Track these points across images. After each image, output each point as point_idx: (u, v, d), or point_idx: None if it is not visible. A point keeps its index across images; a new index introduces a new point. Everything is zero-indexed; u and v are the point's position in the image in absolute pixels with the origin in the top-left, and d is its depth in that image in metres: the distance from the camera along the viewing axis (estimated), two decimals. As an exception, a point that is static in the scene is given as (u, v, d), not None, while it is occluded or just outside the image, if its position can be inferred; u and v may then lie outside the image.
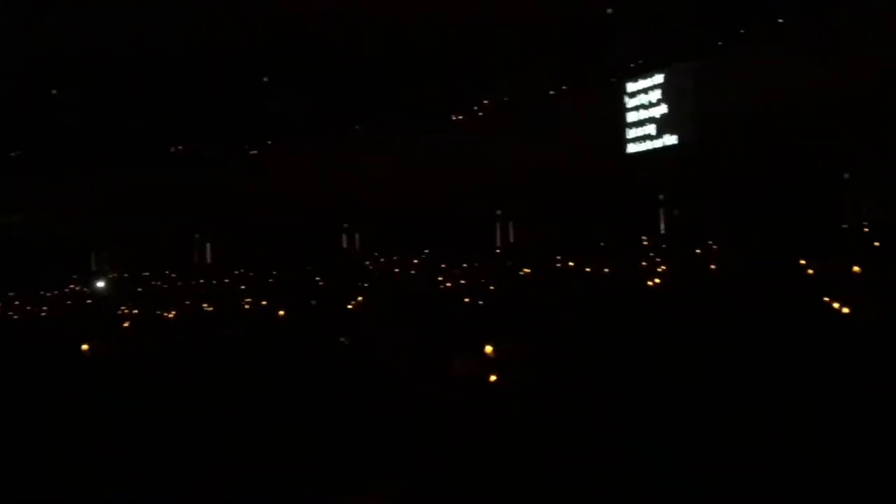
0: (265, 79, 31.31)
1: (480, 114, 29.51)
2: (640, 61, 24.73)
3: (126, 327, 14.87)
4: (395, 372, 7.52)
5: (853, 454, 5.02)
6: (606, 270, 17.14)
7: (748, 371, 6.77)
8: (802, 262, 13.07)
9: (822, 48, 19.03)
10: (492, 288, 16.70)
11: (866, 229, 16.85)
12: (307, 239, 30.52)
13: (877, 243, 14.31)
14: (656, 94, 24.19)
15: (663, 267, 16.36)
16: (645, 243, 21.65)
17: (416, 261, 25.50)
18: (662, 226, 24.74)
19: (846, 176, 19.35)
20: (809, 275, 12.21)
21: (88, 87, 30.87)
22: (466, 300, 14.73)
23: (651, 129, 24.33)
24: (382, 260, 27.01)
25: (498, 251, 27.67)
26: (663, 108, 23.98)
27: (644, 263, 17.14)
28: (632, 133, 24.93)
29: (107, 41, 28.60)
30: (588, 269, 18.08)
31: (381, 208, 29.62)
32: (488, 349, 8.06)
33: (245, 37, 28.23)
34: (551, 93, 27.14)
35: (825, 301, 9.20)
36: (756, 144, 19.95)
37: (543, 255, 22.42)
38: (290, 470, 5.53)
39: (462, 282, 18.99)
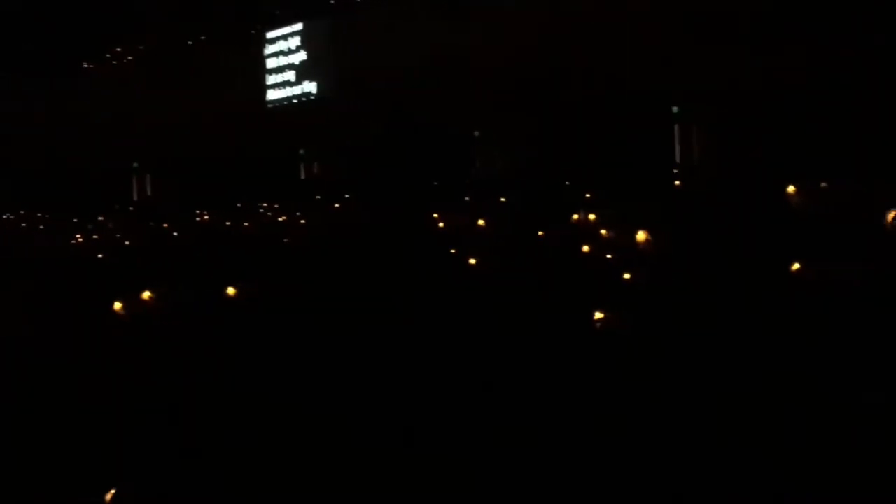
0: None
1: (114, 63, 28.39)
2: (277, 12, 24.71)
3: None
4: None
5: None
6: (246, 224, 17.03)
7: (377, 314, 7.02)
8: (435, 215, 13.55)
9: (457, 10, 19.75)
10: (127, 243, 16.21)
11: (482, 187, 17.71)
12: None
13: (503, 199, 15.08)
14: (296, 42, 24.33)
15: (303, 220, 16.49)
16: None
17: (46, 216, 24.20)
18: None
19: (476, 133, 20.22)
20: (441, 227, 12.69)
21: None
22: (100, 256, 14.29)
23: (290, 75, 24.46)
24: (6, 216, 25.45)
25: (133, 207, 26.82)
26: (302, 56, 24.17)
27: (284, 217, 17.20)
28: (272, 80, 24.95)
29: None
30: (228, 224, 17.90)
31: (7, 158, 27.93)
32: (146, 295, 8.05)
33: None
34: (189, 43, 26.55)
35: (453, 252, 9.64)
36: (391, 101, 20.47)
37: (182, 209, 21.98)
38: None
39: (95, 237, 18.26)
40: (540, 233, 10.44)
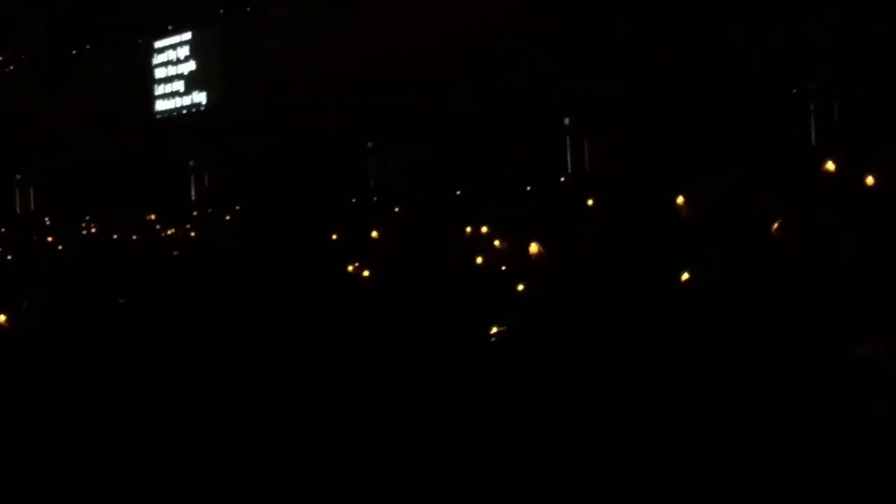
0: None
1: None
2: (168, 25, 24.29)
3: None
4: None
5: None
6: (134, 237, 16.71)
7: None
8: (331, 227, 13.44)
9: (346, 18, 19.64)
10: (10, 258, 15.82)
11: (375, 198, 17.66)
12: None
13: (397, 209, 15.03)
14: (184, 51, 23.95)
15: (193, 233, 16.24)
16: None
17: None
18: (193, 191, 24.55)
19: (369, 144, 20.15)
20: (335, 240, 12.59)
21: None
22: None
23: (179, 85, 24.06)
24: None
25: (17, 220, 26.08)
26: (191, 66, 23.78)
27: (172, 231, 16.91)
28: (160, 90, 24.51)
29: None
30: (115, 236, 17.56)
31: None
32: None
33: None
34: (73, 52, 25.96)
35: (350, 268, 9.58)
36: (282, 110, 20.26)
37: (69, 222, 21.50)
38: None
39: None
40: (434, 243, 10.42)
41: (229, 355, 6.61)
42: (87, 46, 25.87)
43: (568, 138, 16.81)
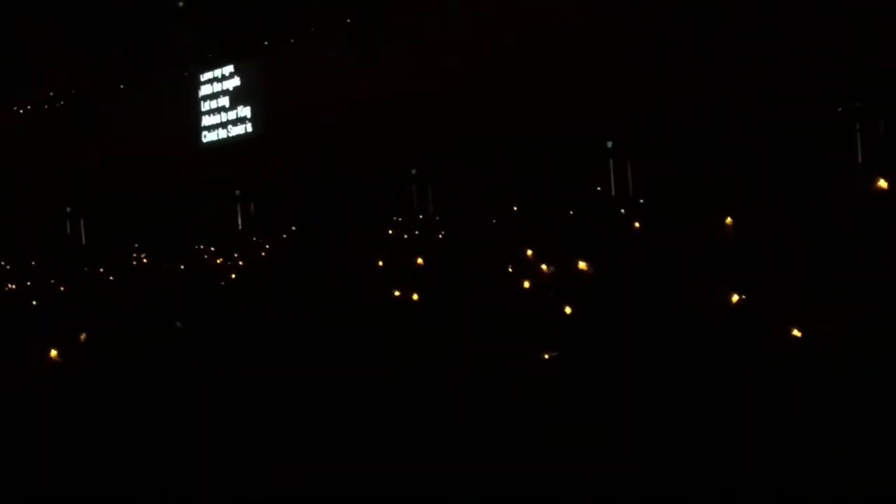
0: None
1: (29, 108, 28.04)
2: (210, 54, 24.59)
3: None
4: None
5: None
6: (182, 267, 16.88)
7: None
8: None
9: (374, 52, 19.82)
10: (62, 289, 16.05)
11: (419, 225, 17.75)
12: None
13: (441, 235, 15.04)
14: (231, 83, 24.25)
15: (241, 262, 16.35)
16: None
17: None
18: (240, 220, 24.77)
19: (414, 172, 20.21)
20: (381, 266, 12.62)
21: None
22: (35, 303, 14.29)
23: (226, 116, 24.37)
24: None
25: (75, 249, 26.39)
26: (236, 98, 24.07)
27: (220, 260, 17.06)
28: (206, 121, 24.80)
29: None
30: (164, 266, 17.74)
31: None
32: None
33: None
34: (121, 87, 26.31)
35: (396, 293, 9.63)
36: (322, 141, 20.41)
37: (119, 251, 21.75)
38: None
39: (29, 283, 18.05)
40: (479, 268, 10.41)
41: (280, 377, 6.68)
42: (133, 79, 26.21)
43: (611, 161, 16.79)
